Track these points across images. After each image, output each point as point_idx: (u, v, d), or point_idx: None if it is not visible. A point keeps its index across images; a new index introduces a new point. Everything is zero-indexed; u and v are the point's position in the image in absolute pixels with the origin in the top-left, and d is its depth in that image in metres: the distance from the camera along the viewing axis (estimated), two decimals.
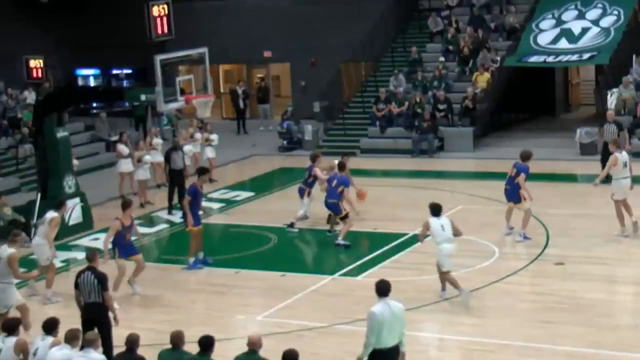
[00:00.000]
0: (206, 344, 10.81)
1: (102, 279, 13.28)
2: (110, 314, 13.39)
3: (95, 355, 10.76)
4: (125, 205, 17.30)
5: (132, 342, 11.10)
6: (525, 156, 19.17)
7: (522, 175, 18.74)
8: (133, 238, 17.42)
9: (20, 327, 11.66)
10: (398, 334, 11.09)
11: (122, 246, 16.87)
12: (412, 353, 13.81)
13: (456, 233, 15.76)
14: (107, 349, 12.70)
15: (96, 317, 13.04)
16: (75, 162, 23.60)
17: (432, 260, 17.92)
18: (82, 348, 10.93)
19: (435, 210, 15.72)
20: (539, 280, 16.61)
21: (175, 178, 23.12)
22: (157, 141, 26.05)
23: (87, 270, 13.41)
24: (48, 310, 16.69)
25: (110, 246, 16.97)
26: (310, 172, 20.87)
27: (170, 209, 23.10)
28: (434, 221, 15.61)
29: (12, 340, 11.15)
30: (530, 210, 19.02)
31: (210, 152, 27.05)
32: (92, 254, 13.89)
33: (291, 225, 20.66)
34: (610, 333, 13.95)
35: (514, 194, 18.98)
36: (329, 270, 17.66)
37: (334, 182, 19.31)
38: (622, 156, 18.90)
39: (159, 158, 25.34)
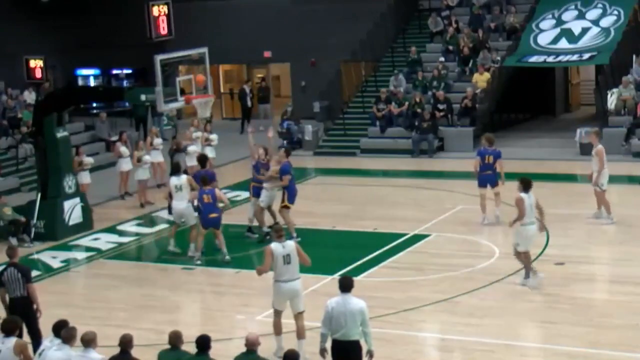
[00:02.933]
0: (203, 343, 10.81)
1: (25, 273, 13.55)
2: (34, 306, 13.50)
3: (95, 355, 10.72)
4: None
5: (125, 343, 10.87)
6: (493, 141, 20.48)
7: (500, 160, 20.08)
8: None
9: (19, 329, 11.65)
10: (354, 329, 11.42)
11: None
12: (412, 353, 13.85)
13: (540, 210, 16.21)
14: (36, 337, 13.05)
15: (22, 310, 13.20)
16: (89, 159, 23.79)
17: (432, 260, 17.98)
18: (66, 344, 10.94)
19: (527, 186, 16.00)
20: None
21: None
22: (158, 141, 26.03)
23: (10, 266, 13.59)
24: None
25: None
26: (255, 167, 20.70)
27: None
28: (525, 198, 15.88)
29: (11, 340, 11.12)
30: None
31: (209, 152, 26.97)
32: (12, 250, 13.99)
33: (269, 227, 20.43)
34: (610, 333, 13.93)
35: (495, 179, 20.07)
36: (329, 270, 17.62)
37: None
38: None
39: (159, 158, 25.32)
